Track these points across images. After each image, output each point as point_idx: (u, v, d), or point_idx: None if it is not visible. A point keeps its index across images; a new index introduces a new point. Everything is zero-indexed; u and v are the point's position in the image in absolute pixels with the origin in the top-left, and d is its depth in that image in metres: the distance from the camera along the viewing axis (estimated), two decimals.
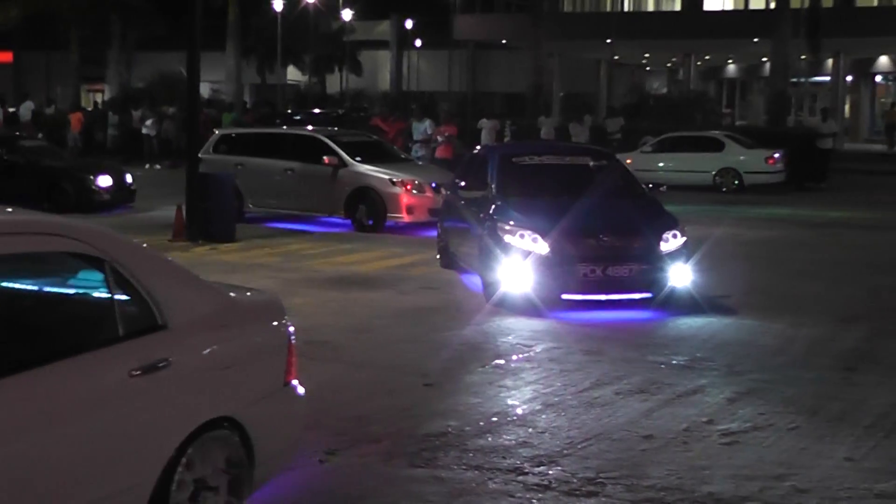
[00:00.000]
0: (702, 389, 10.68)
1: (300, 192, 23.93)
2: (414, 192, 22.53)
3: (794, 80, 53.90)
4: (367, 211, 22.93)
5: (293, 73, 78.57)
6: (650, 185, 17.31)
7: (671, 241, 14.66)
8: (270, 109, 51.38)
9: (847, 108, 65.84)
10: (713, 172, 34.41)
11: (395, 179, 22.70)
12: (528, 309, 14.10)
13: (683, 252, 14.78)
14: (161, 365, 6.10)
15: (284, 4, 64.18)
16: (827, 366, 11.76)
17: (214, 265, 18.10)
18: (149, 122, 43.72)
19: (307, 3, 67.55)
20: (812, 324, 13.98)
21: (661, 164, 34.15)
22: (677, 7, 66.81)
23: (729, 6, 66.68)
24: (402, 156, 26.07)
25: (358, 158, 23.47)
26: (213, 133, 27.15)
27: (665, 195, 17.05)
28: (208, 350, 6.59)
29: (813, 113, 40.45)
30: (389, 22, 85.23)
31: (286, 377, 7.17)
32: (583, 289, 14.28)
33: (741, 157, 34.50)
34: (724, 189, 34.02)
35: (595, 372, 11.27)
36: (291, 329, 7.30)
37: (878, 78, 71.37)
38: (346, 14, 75.62)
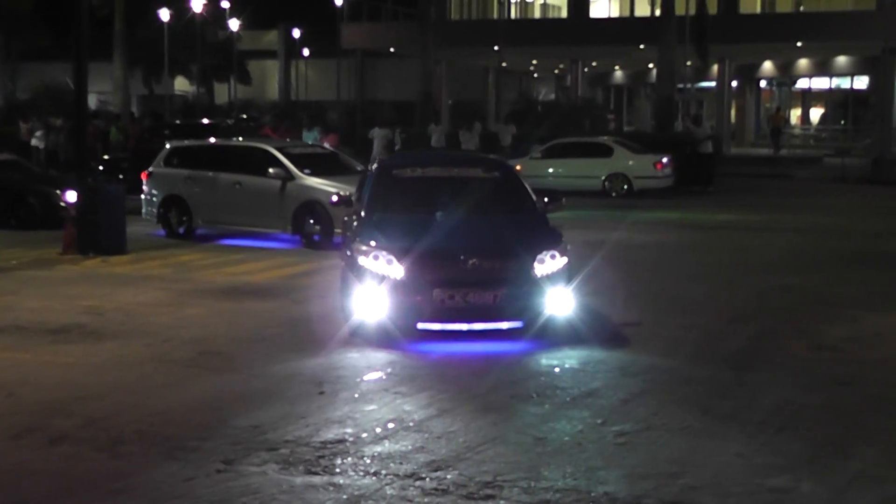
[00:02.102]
0: (595, 392, 10.78)
1: (247, 207, 22.60)
2: None
3: (681, 86, 54.49)
4: (315, 226, 21.64)
5: (181, 84, 78.05)
6: (546, 198, 15.13)
7: (548, 263, 13.08)
8: (158, 120, 50.67)
9: (733, 113, 66.77)
10: (602, 178, 34.71)
11: (342, 193, 21.28)
12: (383, 339, 12.81)
13: (563, 275, 13.19)
14: None
15: (171, 14, 63.67)
16: (718, 365, 11.94)
17: (104, 278, 17.95)
18: (38, 134, 43.03)
19: (194, 13, 67.01)
20: (702, 325, 14.19)
21: (550, 170, 34.40)
22: (564, 14, 67.15)
23: (615, 13, 67.17)
24: (358, 168, 23.59)
25: (307, 171, 22.11)
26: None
27: (558, 203, 16.11)
28: None
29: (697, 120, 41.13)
30: (277, 31, 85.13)
31: None
32: (440, 317, 12.87)
33: (630, 163, 34.85)
34: (614, 194, 34.36)
35: (490, 376, 11.32)
36: None
37: (763, 83, 72.40)
38: (234, 24, 75.27)
